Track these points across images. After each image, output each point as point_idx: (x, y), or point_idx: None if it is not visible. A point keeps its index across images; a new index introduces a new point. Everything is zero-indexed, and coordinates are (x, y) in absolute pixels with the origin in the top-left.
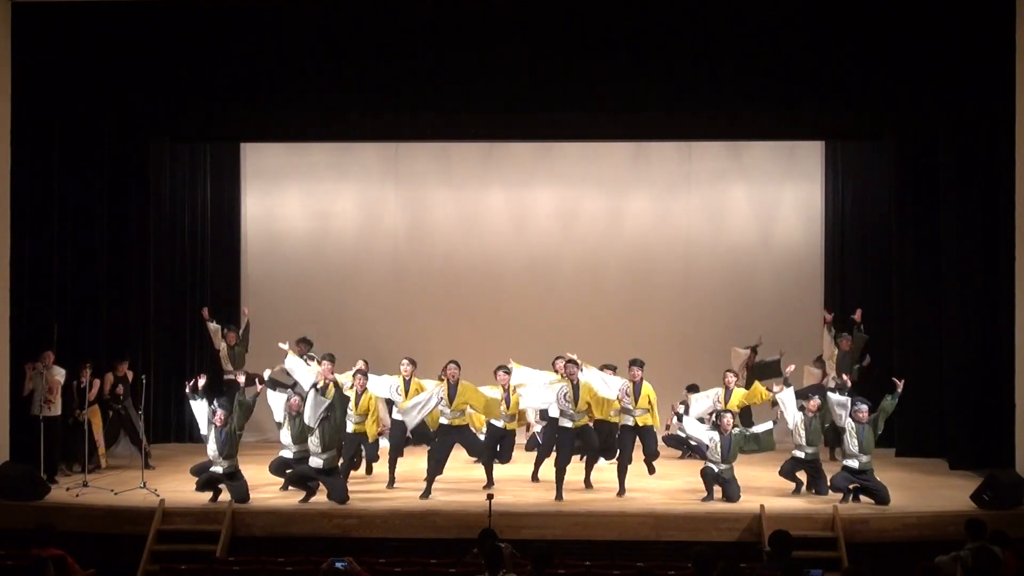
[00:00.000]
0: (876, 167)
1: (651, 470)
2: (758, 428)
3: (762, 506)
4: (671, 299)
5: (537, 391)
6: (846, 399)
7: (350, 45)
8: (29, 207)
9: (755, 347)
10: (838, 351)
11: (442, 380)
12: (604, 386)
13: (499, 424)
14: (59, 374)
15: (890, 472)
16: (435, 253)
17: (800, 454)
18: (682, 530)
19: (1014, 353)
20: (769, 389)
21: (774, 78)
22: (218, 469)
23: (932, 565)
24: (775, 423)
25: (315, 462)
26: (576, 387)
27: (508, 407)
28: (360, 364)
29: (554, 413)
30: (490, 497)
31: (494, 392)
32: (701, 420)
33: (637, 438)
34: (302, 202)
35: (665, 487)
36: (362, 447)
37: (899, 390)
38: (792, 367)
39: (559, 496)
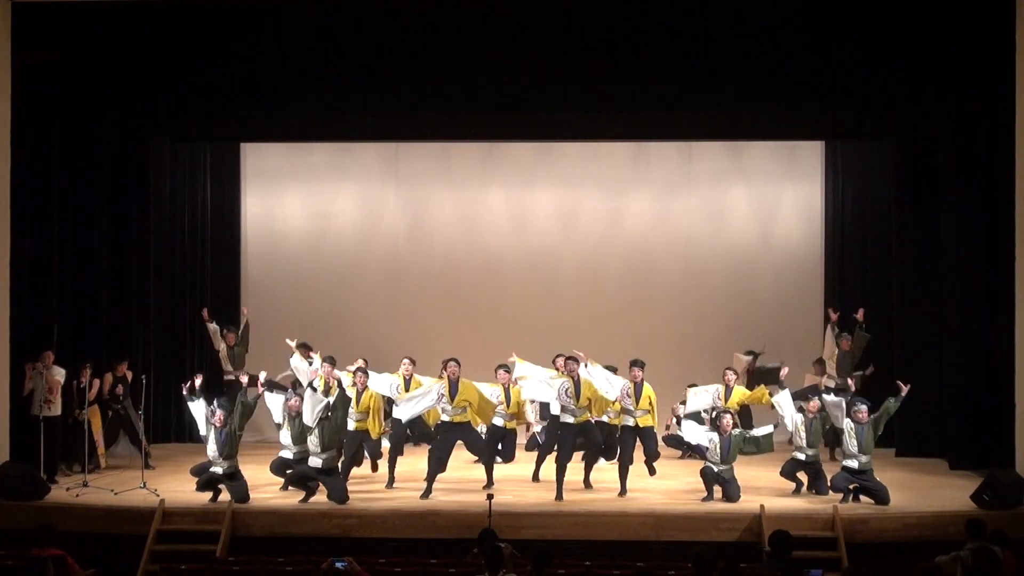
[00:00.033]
0: (876, 167)
1: (652, 471)
2: (758, 431)
3: (762, 506)
4: (671, 299)
5: (538, 385)
6: (840, 400)
7: (350, 45)
8: (29, 207)
9: (757, 354)
10: (838, 351)
11: (442, 378)
12: (607, 385)
13: (499, 423)
14: (59, 374)
15: (890, 472)
16: (435, 253)
17: (800, 456)
18: (682, 530)
19: (1014, 353)
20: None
21: (774, 78)
22: (218, 469)
23: (932, 565)
24: (776, 427)
25: (314, 462)
26: (577, 383)
27: (508, 406)
28: (360, 362)
29: (555, 410)
30: (490, 497)
31: (494, 390)
32: (700, 419)
33: (637, 439)
34: (302, 202)
35: (665, 487)
36: (364, 445)
37: (903, 394)
38: (787, 370)
39: (559, 495)
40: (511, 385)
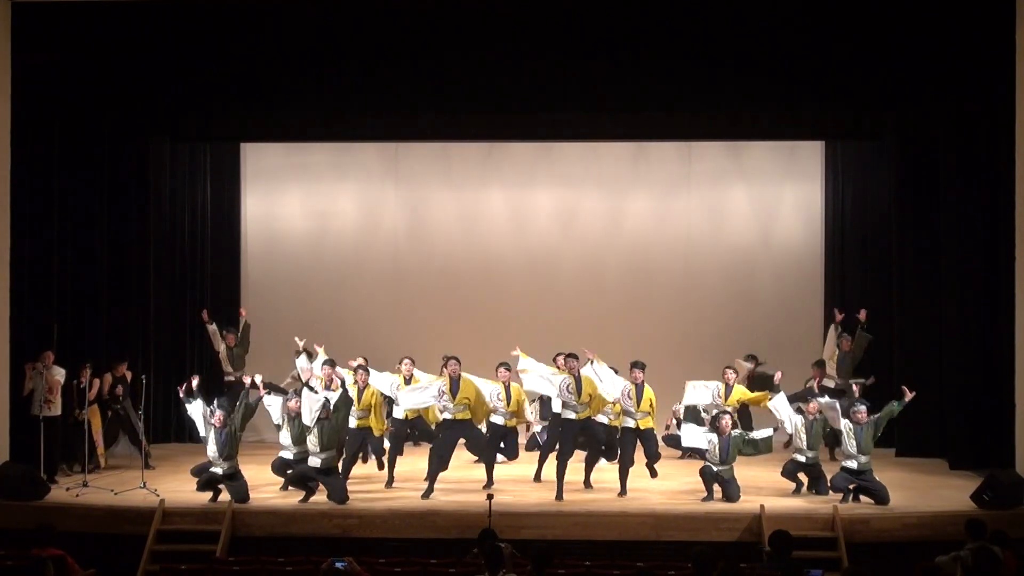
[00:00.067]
0: (876, 167)
1: (653, 473)
2: (757, 434)
3: (762, 506)
4: (671, 299)
5: (539, 379)
6: (834, 401)
7: (350, 45)
8: (29, 207)
9: (757, 359)
10: (839, 351)
11: (443, 375)
12: (611, 386)
13: (500, 421)
14: (59, 374)
15: (890, 472)
16: (435, 253)
17: (801, 458)
18: (682, 530)
19: (1014, 353)
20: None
21: (774, 78)
22: (218, 470)
23: (932, 565)
24: (775, 430)
25: (313, 462)
26: (578, 379)
27: (508, 404)
28: (360, 360)
29: (557, 408)
30: (490, 497)
31: (494, 387)
32: (699, 419)
33: (638, 441)
34: (302, 202)
35: (665, 487)
36: (367, 443)
37: (907, 399)
38: (780, 374)
39: (559, 494)
40: (511, 383)
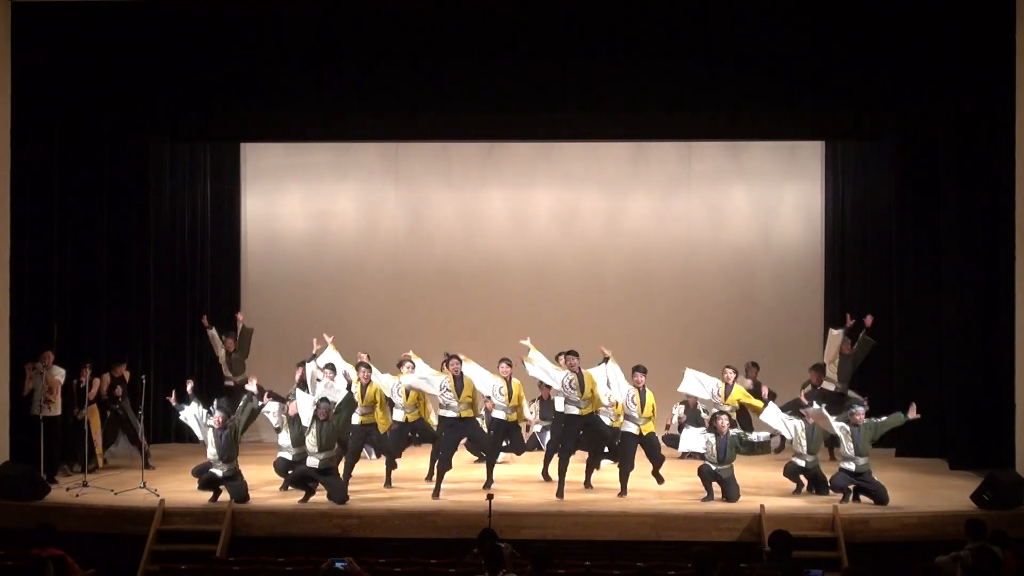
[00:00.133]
0: (876, 167)
1: (660, 480)
2: (755, 436)
3: (762, 506)
4: (671, 299)
5: (542, 371)
6: (819, 408)
7: (350, 45)
8: (29, 207)
9: (757, 370)
10: (840, 355)
11: (444, 372)
12: (618, 389)
13: (501, 416)
14: (59, 374)
15: (890, 472)
16: (435, 253)
17: (800, 462)
18: (682, 530)
19: (1014, 353)
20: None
21: (774, 78)
22: (218, 472)
23: (932, 565)
24: (772, 436)
25: (312, 462)
26: (580, 376)
27: (510, 399)
28: (362, 356)
29: (560, 407)
30: (490, 497)
31: (496, 382)
32: (699, 419)
33: (639, 446)
34: (302, 202)
35: (665, 487)
36: (372, 441)
37: (912, 416)
38: (767, 389)
39: (560, 492)
40: (513, 378)
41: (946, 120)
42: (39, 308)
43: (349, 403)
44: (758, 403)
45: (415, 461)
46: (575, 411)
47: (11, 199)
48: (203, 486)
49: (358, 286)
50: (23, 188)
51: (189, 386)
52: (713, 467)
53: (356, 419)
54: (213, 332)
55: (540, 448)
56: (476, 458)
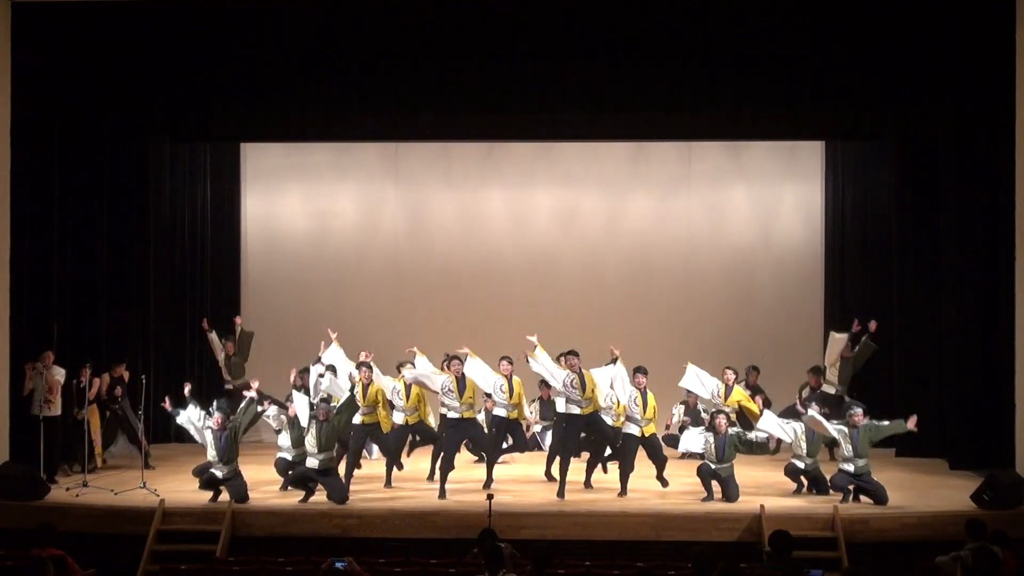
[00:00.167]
0: (876, 167)
1: (664, 483)
2: (754, 435)
3: (762, 506)
4: (671, 299)
5: (544, 369)
6: (813, 414)
7: (350, 45)
8: (29, 207)
9: (757, 373)
10: (840, 358)
11: (446, 371)
12: (620, 391)
13: (502, 414)
14: (59, 374)
15: (890, 472)
16: (435, 253)
17: (800, 464)
18: (682, 530)
19: (1014, 353)
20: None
21: (774, 78)
22: (218, 473)
23: (932, 565)
24: (769, 436)
25: (311, 462)
26: (581, 376)
27: (511, 396)
28: (363, 355)
29: (561, 408)
30: (490, 497)
31: (497, 379)
32: (699, 419)
33: (640, 447)
34: (302, 202)
35: (661, 487)
36: (375, 440)
37: (910, 427)
38: (761, 399)
39: (561, 492)
40: (513, 376)
41: (946, 120)
42: (39, 308)
43: (350, 405)
44: (756, 409)
45: (416, 461)
46: (576, 411)
47: (11, 199)
48: (203, 486)
49: (358, 286)
50: (23, 188)
51: (187, 389)
52: (712, 466)
53: (357, 419)
54: (213, 336)
55: (540, 448)
56: (476, 458)
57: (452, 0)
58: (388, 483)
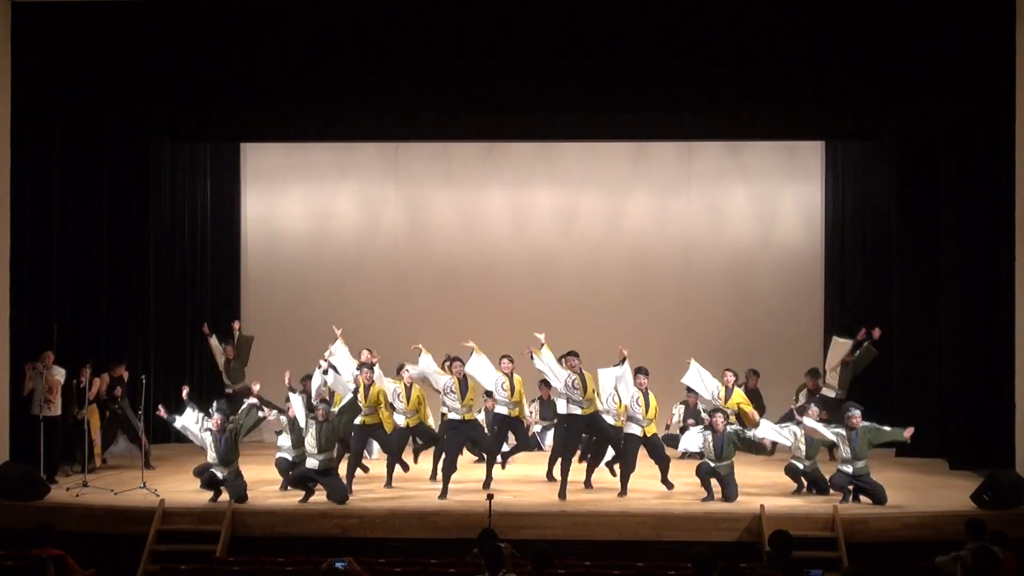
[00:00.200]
0: (876, 167)
1: (670, 485)
2: (751, 433)
3: (762, 506)
4: (671, 299)
5: (547, 367)
6: (811, 422)
7: (350, 45)
8: (29, 207)
9: (757, 377)
10: (841, 363)
11: (448, 372)
12: (624, 391)
13: (504, 412)
14: (59, 374)
15: (890, 472)
16: (435, 253)
17: (799, 465)
18: (682, 530)
19: (1014, 353)
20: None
21: (774, 78)
22: (219, 474)
23: (932, 565)
24: (761, 440)
25: (311, 463)
26: (582, 376)
27: (512, 394)
28: (365, 354)
29: (562, 409)
30: (490, 497)
31: (499, 377)
32: (700, 419)
33: (642, 448)
34: (302, 202)
35: (663, 487)
36: (378, 440)
37: (905, 437)
38: (757, 415)
39: (563, 493)
40: (514, 374)
41: (946, 120)
42: (39, 308)
43: (353, 407)
44: (754, 415)
45: (419, 462)
46: (577, 411)
47: (11, 199)
48: (204, 485)
49: (358, 286)
50: (23, 188)
51: (185, 392)
52: (711, 464)
53: (358, 419)
54: (213, 340)
55: (540, 448)
56: (476, 458)
57: (452, 0)
58: (388, 483)
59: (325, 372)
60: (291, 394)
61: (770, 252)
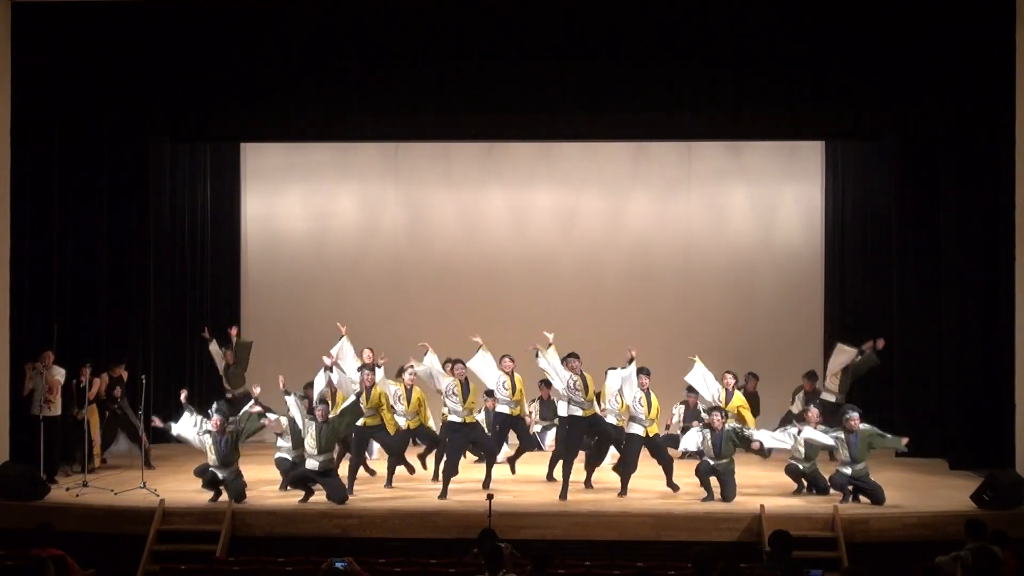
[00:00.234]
0: (876, 167)
1: (676, 488)
2: (750, 432)
3: (762, 506)
4: (671, 299)
5: (551, 367)
6: (810, 429)
7: (350, 45)
8: (29, 207)
9: (756, 380)
10: (842, 370)
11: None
12: (628, 392)
13: (505, 411)
14: (59, 374)
15: (890, 472)
16: (435, 253)
17: (799, 466)
18: (682, 530)
19: (1014, 353)
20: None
21: (774, 78)
22: (220, 474)
23: (932, 565)
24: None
25: (311, 464)
26: (583, 378)
27: (513, 393)
28: (367, 354)
29: (563, 411)
30: (490, 497)
31: (500, 376)
32: (700, 418)
33: (644, 448)
34: (302, 202)
35: (665, 487)
36: (380, 442)
37: (903, 445)
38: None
39: (564, 494)
40: (515, 373)
41: (946, 120)
42: (39, 308)
43: (355, 410)
44: (752, 421)
45: (415, 462)
46: (579, 412)
47: (11, 199)
48: (206, 485)
49: (358, 286)
50: (23, 188)
51: (183, 395)
52: (711, 462)
53: (359, 421)
54: (213, 345)
55: (540, 448)
56: (476, 458)
57: (452, 0)
58: (389, 483)
59: (329, 370)
60: (287, 397)
61: (770, 252)
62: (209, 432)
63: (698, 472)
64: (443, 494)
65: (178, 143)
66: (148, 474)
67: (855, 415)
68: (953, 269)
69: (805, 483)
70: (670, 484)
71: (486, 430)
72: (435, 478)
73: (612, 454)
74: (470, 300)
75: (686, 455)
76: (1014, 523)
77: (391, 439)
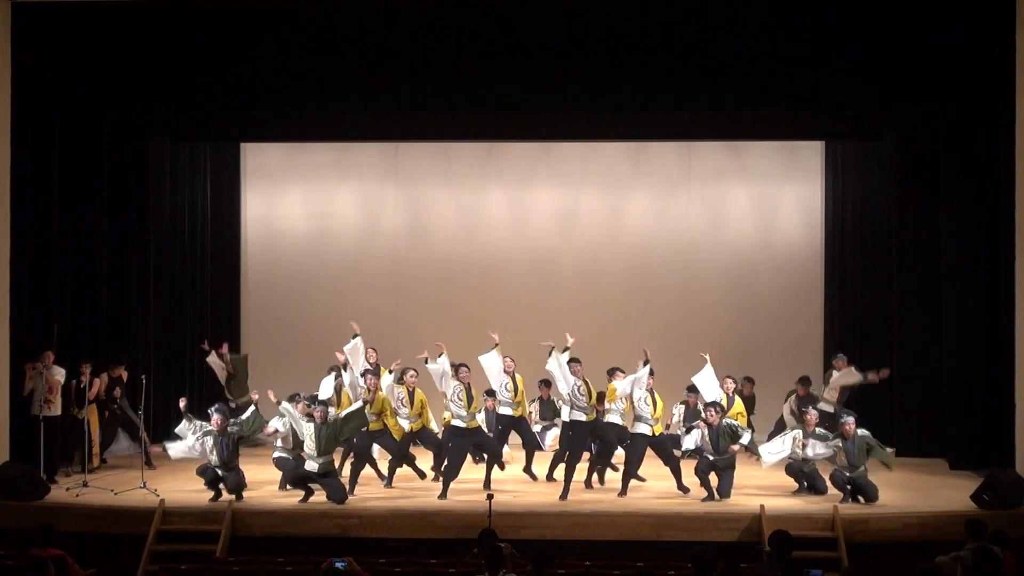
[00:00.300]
0: (876, 167)
1: (686, 490)
2: (744, 430)
3: (762, 506)
4: (671, 299)
5: (558, 370)
6: (812, 442)
7: (350, 45)
8: (29, 207)
9: (753, 384)
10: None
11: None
12: (635, 392)
13: (508, 412)
14: (59, 374)
15: (890, 472)
16: (435, 253)
17: (800, 466)
18: (682, 530)
19: (1014, 353)
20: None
21: (774, 78)
22: (221, 473)
23: (932, 565)
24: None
25: (311, 466)
26: (586, 382)
27: (515, 394)
28: (371, 354)
29: (565, 416)
30: (490, 497)
31: (502, 377)
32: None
33: (648, 448)
34: (302, 202)
35: (665, 487)
36: (381, 444)
37: (891, 460)
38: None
39: (565, 494)
40: (516, 374)
41: (946, 120)
42: (39, 308)
43: (360, 416)
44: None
45: (423, 462)
46: (582, 417)
47: (11, 199)
48: (209, 485)
49: (358, 286)
50: (23, 188)
51: (182, 403)
52: (711, 458)
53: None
54: (212, 357)
55: (540, 447)
56: (477, 458)
57: (452, 0)
58: (389, 483)
59: (343, 368)
60: (283, 405)
61: (770, 252)
62: (210, 433)
63: (698, 471)
64: (443, 494)
65: (178, 143)
66: (148, 474)
67: (850, 419)
68: (953, 269)
69: (806, 483)
70: (680, 487)
71: (485, 429)
72: (436, 479)
73: (619, 455)
74: (470, 300)
75: (686, 454)
76: (1014, 523)
77: (394, 441)
